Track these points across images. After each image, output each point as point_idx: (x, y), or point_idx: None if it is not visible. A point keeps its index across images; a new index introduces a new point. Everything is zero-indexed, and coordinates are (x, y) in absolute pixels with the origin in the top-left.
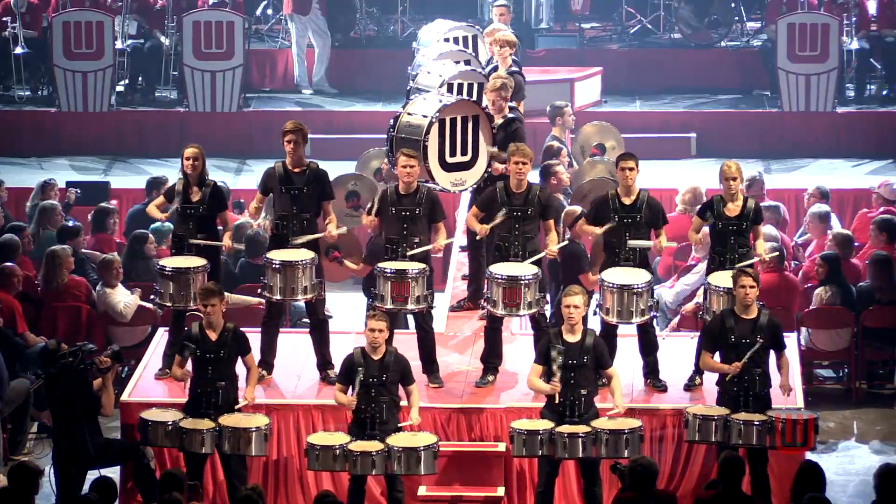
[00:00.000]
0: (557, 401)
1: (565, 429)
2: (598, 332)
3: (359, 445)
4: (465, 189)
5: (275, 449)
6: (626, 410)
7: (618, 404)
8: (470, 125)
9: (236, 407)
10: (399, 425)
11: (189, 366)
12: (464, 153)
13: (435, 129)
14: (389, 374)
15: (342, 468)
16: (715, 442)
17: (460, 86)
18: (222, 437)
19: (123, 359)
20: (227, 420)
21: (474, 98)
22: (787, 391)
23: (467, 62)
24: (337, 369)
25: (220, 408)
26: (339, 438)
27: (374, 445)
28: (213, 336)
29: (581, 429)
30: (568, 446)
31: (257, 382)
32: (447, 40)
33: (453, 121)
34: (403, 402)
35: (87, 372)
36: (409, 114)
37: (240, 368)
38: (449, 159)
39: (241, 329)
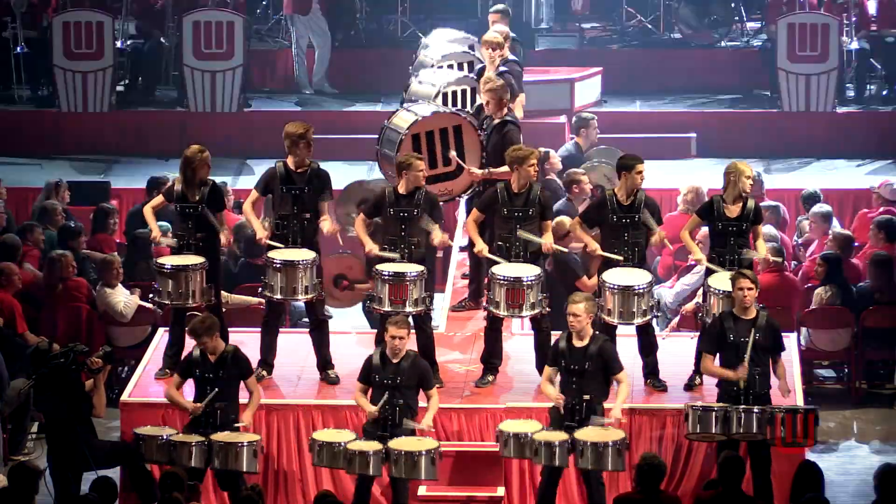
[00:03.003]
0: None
1: (541, 436)
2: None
3: (357, 445)
4: (453, 199)
5: (275, 449)
6: (620, 419)
7: (612, 414)
8: (451, 136)
9: (235, 425)
10: (412, 426)
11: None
12: (446, 164)
13: (407, 145)
14: (403, 378)
15: (342, 466)
16: (715, 433)
17: (454, 94)
18: (212, 451)
19: (116, 359)
20: (218, 435)
21: (469, 104)
22: (787, 392)
23: (470, 63)
24: (337, 369)
25: (219, 428)
26: (343, 436)
27: (371, 446)
28: (212, 358)
29: (556, 437)
30: (543, 454)
31: (257, 381)
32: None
33: (429, 134)
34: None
35: (79, 373)
36: (390, 129)
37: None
38: (428, 171)
39: (242, 351)
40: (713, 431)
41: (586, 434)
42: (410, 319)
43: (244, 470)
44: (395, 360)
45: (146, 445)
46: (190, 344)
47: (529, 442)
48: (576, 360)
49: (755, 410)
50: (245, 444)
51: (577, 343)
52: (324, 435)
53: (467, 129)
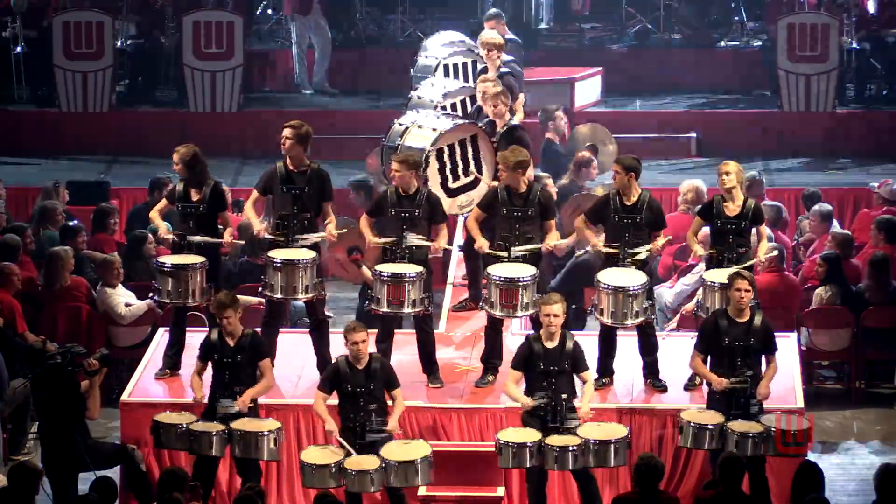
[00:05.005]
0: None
1: (555, 441)
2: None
3: (355, 463)
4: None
5: None
6: (593, 416)
7: (584, 411)
8: (469, 146)
9: (235, 407)
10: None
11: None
12: (466, 174)
13: (433, 161)
14: (376, 382)
15: (338, 485)
16: (709, 450)
17: (453, 105)
18: (232, 440)
19: (112, 361)
20: (238, 424)
21: (469, 110)
22: (764, 397)
23: (473, 60)
24: None
25: (237, 413)
26: (332, 456)
27: (371, 463)
28: (231, 342)
29: (571, 441)
30: (559, 459)
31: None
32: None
33: (451, 147)
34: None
35: (76, 374)
36: (408, 147)
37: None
38: (452, 184)
39: (259, 335)
40: (706, 448)
41: (591, 432)
42: (411, 319)
43: (265, 459)
44: (361, 366)
45: (165, 433)
46: (190, 344)
47: (537, 450)
48: (552, 361)
49: (751, 435)
50: (266, 433)
51: (550, 344)
52: (312, 456)
53: (482, 137)
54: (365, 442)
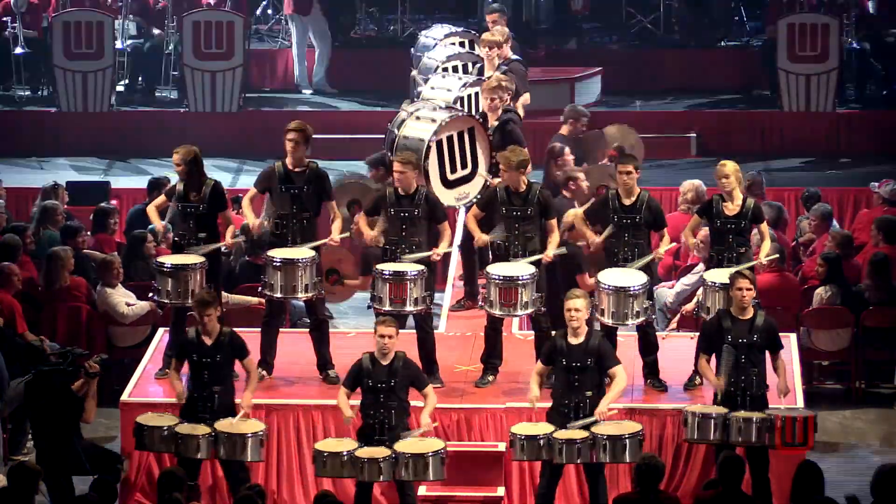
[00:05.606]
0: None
1: (563, 434)
2: (602, 333)
3: (366, 452)
4: (469, 201)
5: (275, 449)
6: (614, 414)
7: (600, 409)
8: (466, 138)
9: (237, 417)
10: (410, 432)
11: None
12: (464, 167)
13: (434, 152)
14: (397, 379)
15: (350, 475)
16: (714, 440)
17: (469, 97)
18: (218, 442)
19: (111, 366)
20: (223, 425)
21: (477, 104)
22: (785, 393)
23: (475, 62)
24: (337, 369)
25: (216, 412)
26: (346, 445)
27: (381, 452)
28: (208, 341)
29: (579, 434)
30: (565, 452)
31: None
32: (445, 46)
33: (450, 138)
34: (417, 403)
35: (76, 375)
36: (405, 137)
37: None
38: (450, 176)
39: (238, 333)
40: (711, 438)
41: (603, 429)
42: (411, 319)
43: (249, 460)
44: (385, 362)
45: (148, 435)
46: None
47: (546, 443)
48: (576, 358)
49: (754, 420)
50: (250, 435)
51: (574, 340)
52: (327, 445)
53: (479, 130)
54: (384, 438)
